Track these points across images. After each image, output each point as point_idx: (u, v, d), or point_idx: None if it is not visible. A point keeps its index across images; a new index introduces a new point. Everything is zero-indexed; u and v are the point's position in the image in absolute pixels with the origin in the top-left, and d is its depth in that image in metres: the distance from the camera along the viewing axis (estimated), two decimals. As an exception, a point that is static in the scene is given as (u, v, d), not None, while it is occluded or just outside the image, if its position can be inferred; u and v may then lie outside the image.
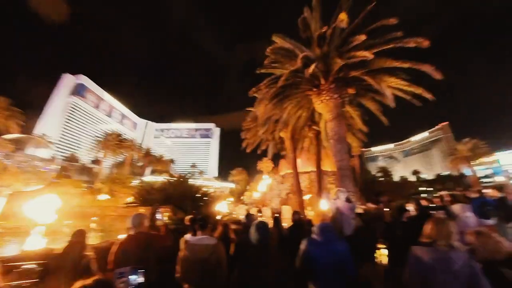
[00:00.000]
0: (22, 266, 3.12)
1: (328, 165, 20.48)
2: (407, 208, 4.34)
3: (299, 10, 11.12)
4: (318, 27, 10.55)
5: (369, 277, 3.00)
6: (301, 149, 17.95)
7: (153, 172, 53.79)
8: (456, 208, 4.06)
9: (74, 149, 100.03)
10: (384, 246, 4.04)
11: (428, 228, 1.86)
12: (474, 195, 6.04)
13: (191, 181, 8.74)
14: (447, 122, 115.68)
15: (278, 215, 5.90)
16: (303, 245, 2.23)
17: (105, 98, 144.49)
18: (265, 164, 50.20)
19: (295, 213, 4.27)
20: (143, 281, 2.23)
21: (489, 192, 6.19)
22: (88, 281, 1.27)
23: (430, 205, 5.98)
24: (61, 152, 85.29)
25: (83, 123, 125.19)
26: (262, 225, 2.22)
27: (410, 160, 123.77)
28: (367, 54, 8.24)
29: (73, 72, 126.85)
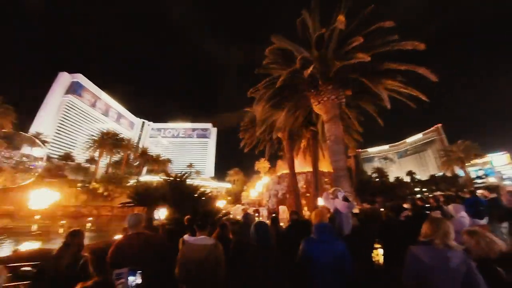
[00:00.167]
0: (17, 268, 3.07)
1: (325, 166, 20.62)
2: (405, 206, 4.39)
3: (298, 12, 11.20)
4: (317, 29, 10.63)
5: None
6: (298, 149, 18.03)
7: (149, 172, 53.31)
8: (451, 208, 4.14)
9: (70, 148, 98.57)
10: (380, 246, 4.09)
11: (425, 227, 1.89)
12: (467, 195, 6.15)
13: (188, 181, 8.68)
14: (441, 124, 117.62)
15: (275, 215, 5.93)
16: (302, 245, 2.24)
17: (101, 97, 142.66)
18: (262, 164, 50.26)
19: (293, 213, 4.28)
20: (141, 282, 2.22)
21: (481, 192, 6.32)
22: (88, 283, 1.26)
23: (426, 205, 6.07)
24: (56, 151, 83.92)
25: (79, 122, 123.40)
26: (262, 225, 2.22)
27: (405, 161, 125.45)
28: (364, 57, 8.33)
29: (70, 71, 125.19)
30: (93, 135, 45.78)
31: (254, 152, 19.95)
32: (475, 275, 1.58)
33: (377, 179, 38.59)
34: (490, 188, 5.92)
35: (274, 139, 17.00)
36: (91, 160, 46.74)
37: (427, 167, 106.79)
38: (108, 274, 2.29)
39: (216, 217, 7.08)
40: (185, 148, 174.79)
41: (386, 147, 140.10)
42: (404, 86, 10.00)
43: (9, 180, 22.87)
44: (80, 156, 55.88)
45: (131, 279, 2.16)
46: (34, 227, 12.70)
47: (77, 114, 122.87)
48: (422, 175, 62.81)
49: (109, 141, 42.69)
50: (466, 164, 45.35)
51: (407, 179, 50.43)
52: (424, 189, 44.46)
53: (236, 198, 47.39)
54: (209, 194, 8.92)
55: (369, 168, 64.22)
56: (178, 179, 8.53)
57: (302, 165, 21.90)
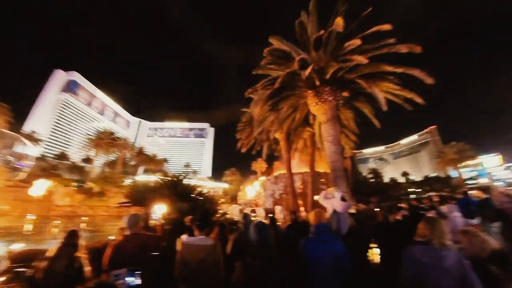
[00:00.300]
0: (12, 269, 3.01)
1: (321, 166, 20.76)
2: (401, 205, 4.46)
3: (298, 12, 11.27)
4: (315, 30, 10.71)
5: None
6: (294, 150, 18.12)
7: (146, 171, 52.84)
8: (445, 208, 4.23)
9: (65, 147, 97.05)
10: (376, 245, 4.15)
11: (422, 227, 1.94)
12: (460, 196, 6.27)
13: (185, 181, 8.65)
14: (435, 126, 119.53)
15: (271, 215, 5.96)
16: (301, 245, 2.26)
17: (97, 96, 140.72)
18: (259, 164, 50.31)
19: (291, 213, 4.31)
20: (140, 282, 2.21)
21: (473, 193, 6.45)
22: (90, 284, 1.25)
23: (420, 205, 6.18)
24: (51, 149, 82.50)
25: (75, 121, 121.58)
26: (262, 226, 2.24)
27: (400, 162, 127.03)
28: (362, 59, 8.42)
29: (66, 69, 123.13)
30: (89, 134, 45.17)
31: (250, 153, 19.99)
32: (469, 273, 1.64)
33: (372, 180, 38.99)
34: (482, 189, 6.05)
35: (271, 139, 17.05)
36: (87, 160, 46.08)
37: (421, 168, 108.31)
38: (105, 275, 2.28)
39: (213, 217, 7.09)
40: (182, 147, 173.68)
41: (381, 148, 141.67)
42: (400, 88, 10.15)
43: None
44: (76, 155, 55.05)
45: (130, 280, 2.16)
46: (28, 227, 12.50)
47: (72, 113, 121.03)
48: (416, 176, 63.71)
49: (105, 140, 42.15)
50: (459, 166, 46.25)
51: (401, 179, 51.10)
52: (418, 190, 45.10)
53: (232, 198, 47.32)
54: (207, 194, 8.90)
55: (364, 169, 64.82)
56: (175, 179, 8.49)
57: (298, 166, 21.99)
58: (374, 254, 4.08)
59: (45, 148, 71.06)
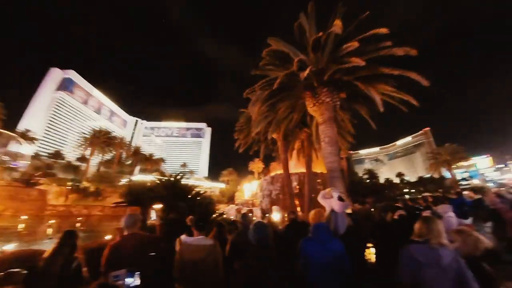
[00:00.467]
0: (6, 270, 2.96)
1: (318, 167, 20.90)
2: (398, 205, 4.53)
3: (297, 14, 11.33)
4: (313, 32, 10.78)
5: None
6: (292, 150, 18.20)
7: (142, 171, 52.35)
8: (440, 208, 4.31)
9: (60, 145, 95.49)
10: (372, 245, 4.20)
11: (419, 227, 1.98)
12: (453, 196, 6.40)
13: (183, 181, 8.62)
14: (429, 128, 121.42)
15: (268, 215, 5.99)
16: (300, 245, 2.27)
17: (94, 94, 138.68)
18: (256, 165, 50.36)
19: (291, 213, 4.33)
20: (139, 283, 2.19)
21: (467, 193, 6.59)
22: (92, 285, 1.25)
23: (416, 205, 6.28)
24: (46, 148, 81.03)
25: (70, 119, 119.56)
26: (262, 226, 2.25)
27: (395, 163, 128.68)
28: (359, 61, 8.51)
29: (62, 67, 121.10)
30: (84, 133, 44.57)
31: (248, 153, 20.03)
32: (465, 271, 1.68)
33: (368, 180, 39.35)
34: (475, 189, 6.19)
35: (269, 139, 17.09)
36: (82, 159, 45.39)
37: (416, 169, 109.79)
38: (103, 276, 2.26)
39: (211, 218, 7.08)
40: (179, 147, 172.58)
41: (377, 149, 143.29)
42: (397, 90, 10.29)
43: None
44: (71, 154, 54.16)
45: (129, 280, 2.14)
46: (21, 227, 12.27)
47: (68, 111, 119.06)
48: (411, 177, 64.54)
49: (101, 139, 41.67)
50: (452, 167, 47.05)
51: (396, 180, 51.70)
52: (412, 190, 45.68)
53: (229, 198, 47.26)
54: (205, 194, 8.89)
55: (360, 170, 65.42)
56: (172, 179, 8.46)
57: (295, 166, 22.11)
58: (371, 253, 4.14)
59: (40, 147, 69.72)
